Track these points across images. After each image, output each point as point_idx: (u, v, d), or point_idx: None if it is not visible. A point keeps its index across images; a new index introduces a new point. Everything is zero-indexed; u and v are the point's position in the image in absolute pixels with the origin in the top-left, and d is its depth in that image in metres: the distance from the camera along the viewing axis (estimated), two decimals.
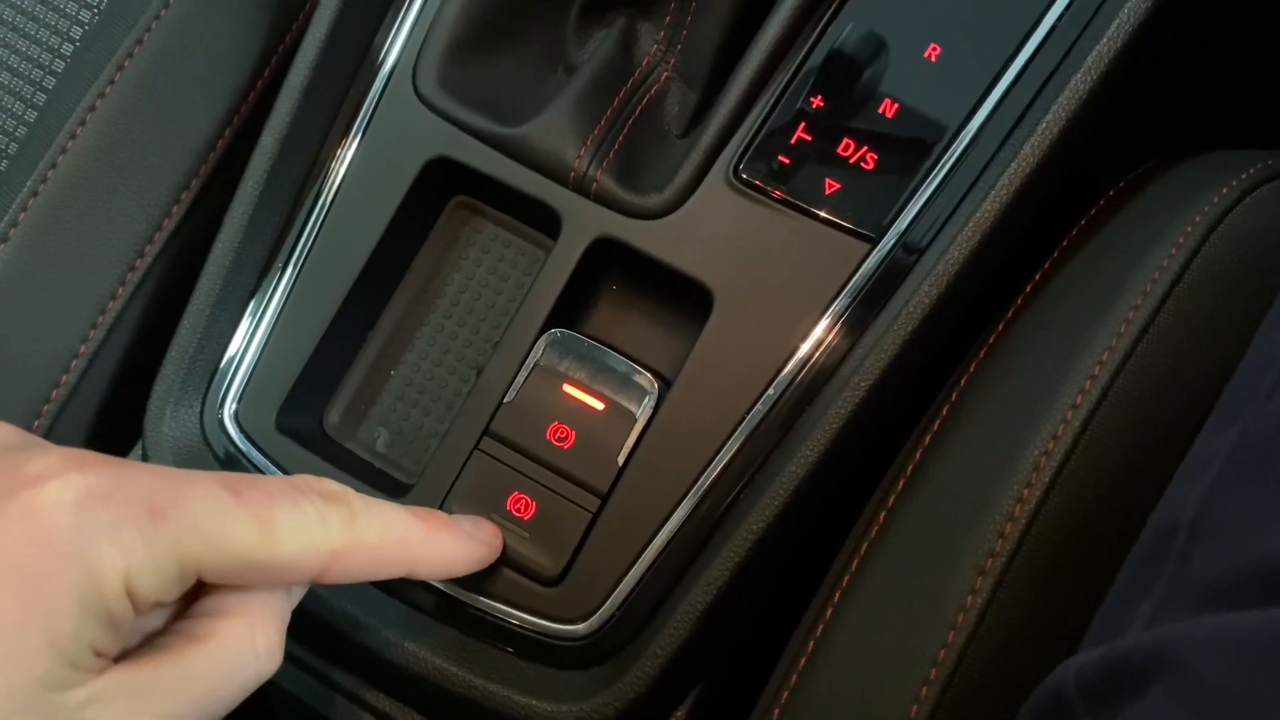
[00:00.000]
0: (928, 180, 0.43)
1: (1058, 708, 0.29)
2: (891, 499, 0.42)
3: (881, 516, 0.41)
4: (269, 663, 0.34)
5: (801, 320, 0.42)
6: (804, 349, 0.42)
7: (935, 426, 0.43)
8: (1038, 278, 0.45)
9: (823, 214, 0.43)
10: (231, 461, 0.45)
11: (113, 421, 0.48)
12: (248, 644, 0.33)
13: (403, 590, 0.43)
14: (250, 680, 0.33)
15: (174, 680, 0.32)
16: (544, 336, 0.44)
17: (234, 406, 0.45)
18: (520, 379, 0.44)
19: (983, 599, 0.38)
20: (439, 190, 0.48)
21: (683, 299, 0.44)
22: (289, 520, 0.33)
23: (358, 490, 0.40)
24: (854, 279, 0.42)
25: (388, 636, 0.42)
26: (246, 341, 0.46)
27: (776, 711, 0.39)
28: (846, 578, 0.41)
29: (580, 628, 0.42)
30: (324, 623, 0.43)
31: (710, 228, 0.43)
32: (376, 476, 0.45)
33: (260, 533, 0.33)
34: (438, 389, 0.47)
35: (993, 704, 0.37)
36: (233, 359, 0.46)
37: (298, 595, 0.36)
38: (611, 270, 0.46)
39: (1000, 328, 0.44)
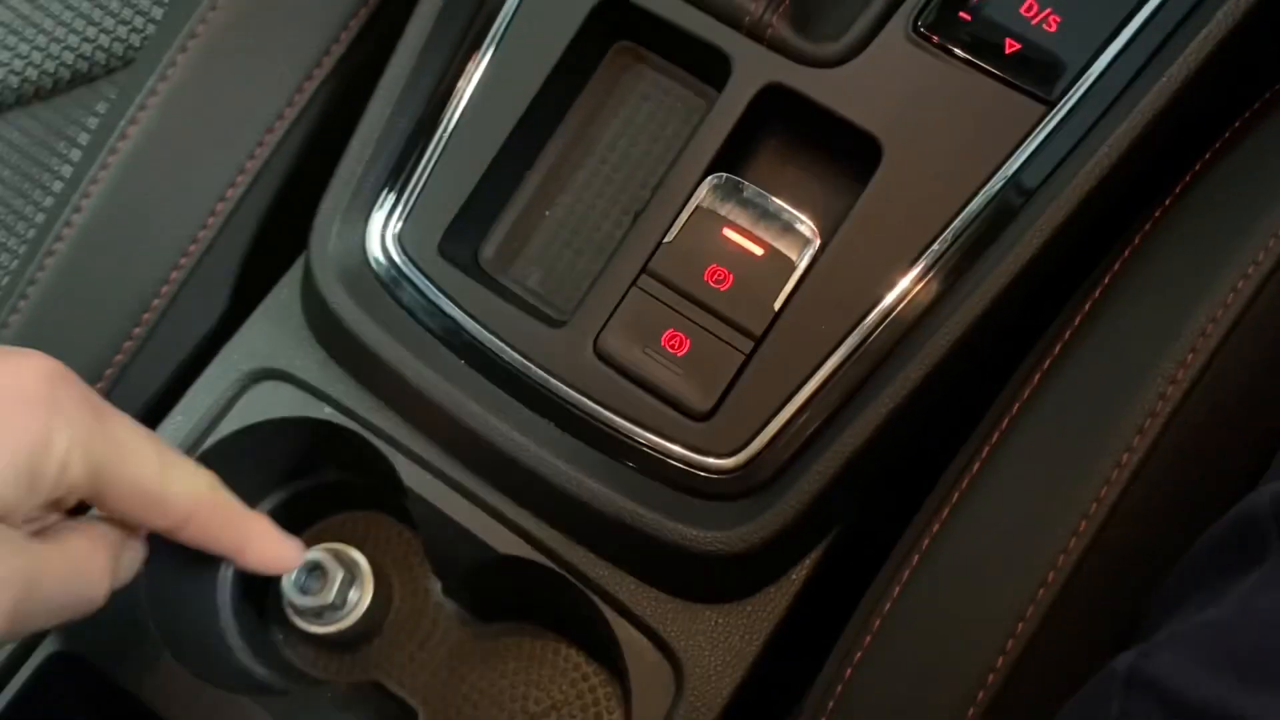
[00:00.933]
0: (1107, 47, 0.42)
1: (1247, 533, 0.29)
2: (1047, 362, 0.42)
3: (1036, 379, 0.42)
4: (97, 589, 0.37)
5: (970, 178, 0.42)
6: (973, 205, 0.42)
7: (1095, 295, 0.43)
8: (1199, 165, 0.45)
9: (1001, 74, 0.43)
10: (393, 283, 0.46)
11: (272, 243, 0.50)
12: (90, 562, 0.37)
13: (558, 415, 0.44)
14: (74, 599, 0.37)
15: (23, 566, 0.34)
16: (707, 180, 0.44)
17: (398, 227, 0.46)
18: (681, 220, 0.44)
19: (1139, 455, 0.38)
20: (602, 35, 0.48)
21: (849, 152, 0.44)
22: (180, 464, 0.39)
23: (513, 322, 0.42)
24: (1027, 141, 0.42)
25: (541, 455, 0.43)
26: (411, 169, 0.47)
27: (916, 558, 0.40)
28: (996, 434, 0.41)
29: (728, 461, 0.43)
30: (481, 440, 0.44)
31: (884, 80, 0.43)
32: (531, 309, 0.46)
33: (159, 465, 0.38)
34: (591, 231, 0.48)
35: (1148, 553, 0.37)
36: (398, 184, 0.47)
37: (127, 568, 0.40)
38: (777, 119, 0.46)
39: (1157, 215, 0.44)
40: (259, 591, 0.53)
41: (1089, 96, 0.42)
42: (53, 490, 0.35)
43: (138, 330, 0.47)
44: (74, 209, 0.46)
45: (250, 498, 0.52)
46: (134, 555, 0.41)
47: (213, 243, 0.48)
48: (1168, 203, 0.43)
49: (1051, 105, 0.42)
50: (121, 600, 0.45)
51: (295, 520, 0.54)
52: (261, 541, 0.43)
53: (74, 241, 0.47)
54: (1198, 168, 0.43)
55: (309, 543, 0.53)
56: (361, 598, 0.52)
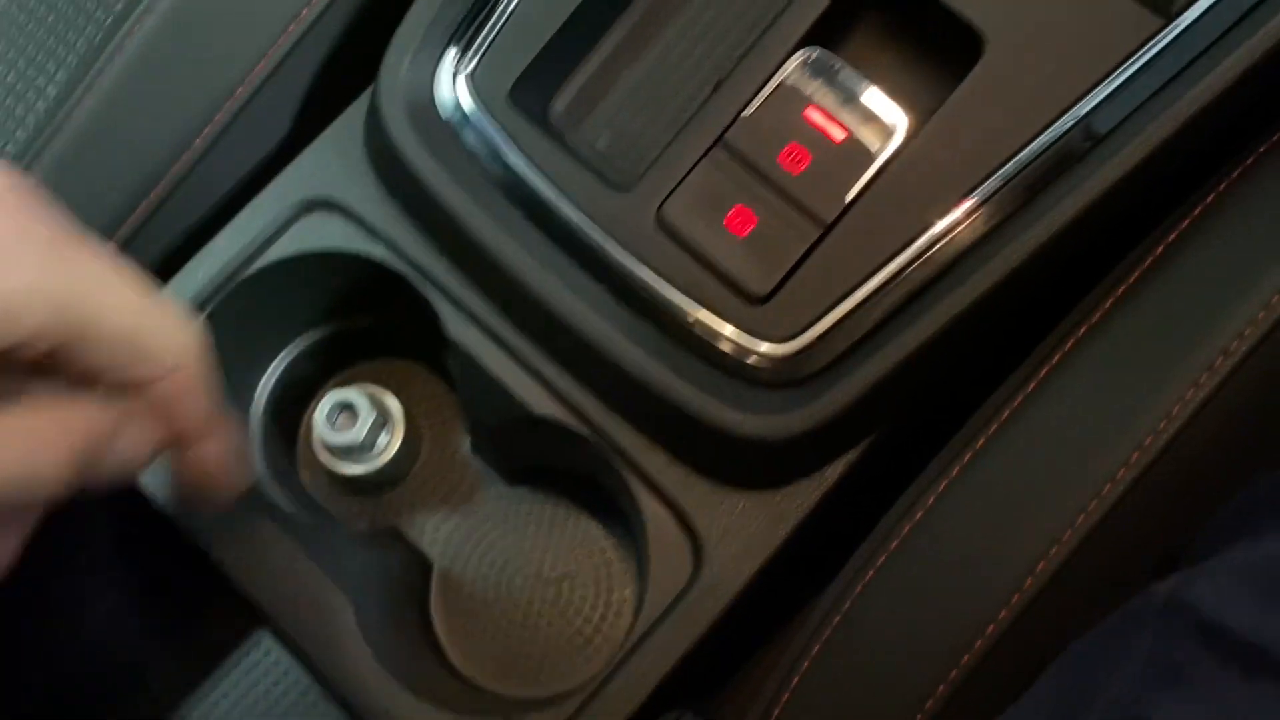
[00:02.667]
0: None
1: None
2: (1109, 301, 0.40)
3: (1097, 316, 0.40)
4: (47, 476, 0.30)
5: (1075, 85, 0.40)
6: (1063, 120, 0.40)
7: (1179, 229, 0.41)
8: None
9: None
10: (459, 124, 0.45)
11: (343, 72, 0.48)
12: (37, 439, 0.30)
13: (612, 281, 0.43)
14: (22, 476, 0.30)
15: None
16: (799, 53, 0.42)
17: (471, 67, 0.45)
18: (765, 93, 0.43)
19: (1203, 394, 0.37)
20: None
21: (950, 43, 0.42)
22: (167, 308, 0.33)
23: (577, 179, 0.39)
24: (1140, 52, 0.40)
25: (589, 317, 0.42)
26: (491, 8, 0.45)
27: (935, 493, 0.39)
28: (1057, 356, 0.40)
29: (779, 348, 0.41)
30: (530, 296, 0.43)
31: None
32: (597, 170, 0.45)
33: (140, 307, 0.32)
34: (669, 96, 0.46)
35: (1197, 494, 0.36)
36: (476, 22, 0.45)
37: (122, 453, 0.33)
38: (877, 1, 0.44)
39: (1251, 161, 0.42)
40: (291, 425, 0.54)
41: (1207, 17, 0.40)
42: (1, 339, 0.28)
43: (198, 143, 0.46)
44: (135, 21, 0.45)
45: (290, 331, 0.52)
46: (133, 441, 0.33)
47: (280, 65, 0.47)
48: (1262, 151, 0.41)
49: (1170, 18, 0.40)
50: None
51: (332, 358, 0.53)
52: (218, 444, 0.37)
53: (134, 54, 0.45)
54: None
55: (344, 383, 0.53)
56: (391, 442, 0.51)
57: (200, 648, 0.51)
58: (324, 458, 0.51)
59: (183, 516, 0.45)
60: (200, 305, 0.47)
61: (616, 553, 0.52)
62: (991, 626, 0.37)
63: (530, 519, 0.53)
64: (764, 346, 0.41)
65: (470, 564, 0.52)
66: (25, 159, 0.45)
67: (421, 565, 0.52)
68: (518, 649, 0.51)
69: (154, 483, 0.45)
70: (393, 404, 0.52)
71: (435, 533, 0.52)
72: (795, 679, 0.40)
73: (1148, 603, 0.29)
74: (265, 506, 0.49)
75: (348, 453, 0.51)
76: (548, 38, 0.45)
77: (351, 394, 0.50)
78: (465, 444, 0.53)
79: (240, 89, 0.47)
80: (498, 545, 0.52)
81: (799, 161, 0.42)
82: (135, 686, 0.53)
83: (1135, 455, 0.37)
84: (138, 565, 0.53)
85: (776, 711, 0.39)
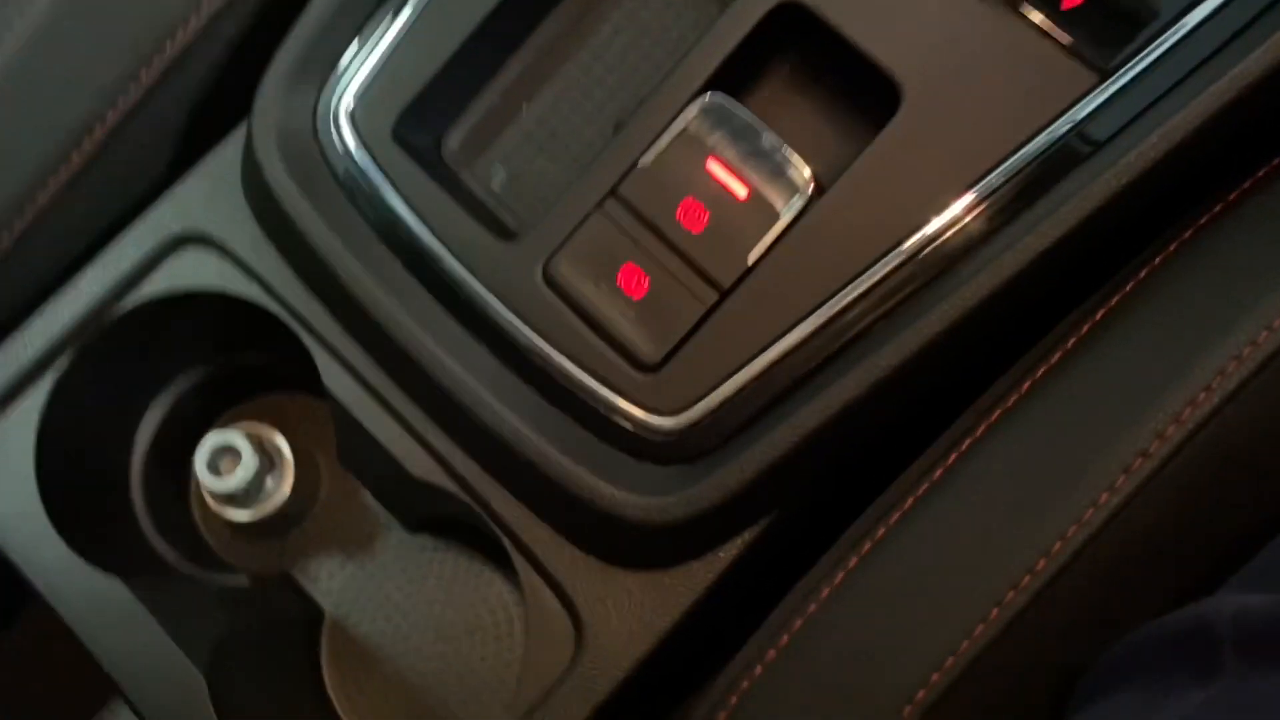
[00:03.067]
0: (1179, 22, 0.36)
1: (1200, 642, 0.25)
2: (1041, 370, 0.37)
3: (1026, 386, 0.37)
4: None
5: (992, 149, 0.37)
6: (989, 180, 0.37)
7: (1109, 305, 0.37)
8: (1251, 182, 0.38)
9: (1053, 30, 0.36)
10: (337, 162, 0.41)
11: (217, 98, 0.45)
12: None
13: (493, 339, 0.40)
14: None
15: None
16: (700, 99, 0.39)
17: (351, 104, 0.41)
18: (662, 143, 0.39)
19: (1120, 499, 0.33)
20: None
21: (865, 94, 0.38)
22: None
23: (460, 227, 0.36)
24: (1070, 112, 0.36)
25: (467, 381, 0.39)
26: (374, 39, 0.42)
27: (867, 546, 0.36)
28: (968, 441, 0.37)
29: (668, 421, 0.38)
30: (405, 353, 0.40)
31: (918, 16, 0.37)
32: (486, 215, 0.42)
33: None
34: (569, 137, 0.43)
35: (1099, 609, 0.33)
36: (357, 54, 0.42)
37: None
38: (788, 46, 0.40)
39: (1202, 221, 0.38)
40: (180, 461, 0.51)
41: (1152, 71, 0.36)
42: None
43: (63, 171, 0.43)
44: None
45: (168, 370, 0.48)
46: None
47: (153, 90, 0.43)
48: (1213, 213, 0.37)
49: (1105, 76, 0.36)
50: (9, 456, 0.43)
51: (221, 395, 0.50)
52: None
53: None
54: (1248, 185, 0.37)
55: (231, 421, 0.50)
56: (280, 486, 0.48)
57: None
58: (213, 504, 0.48)
59: (26, 561, 0.42)
60: (65, 344, 0.44)
61: (519, 609, 0.49)
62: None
63: (431, 569, 0.50)
64: (653, 419, 0.38)
65: (366, 615, 0.49)
66: None
67: (312, 616, 0.49)
68: (413, 705, 0.48)
69: None
70: (282, 444, 0.49)
71: (330, 581, 0.50)
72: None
73: None
74: (142, 553, 0.46)
75: (233, 499, 0.48)
76: (439, 66, 0.41)
77: (233, 436, 0.47)
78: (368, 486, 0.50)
79: (110, 113, 0.43)
80: (395, 597, 0.49)
81: (698, 219, 0.39)
82: None
83: (1041, 563, 0.33)
84: None
85: None
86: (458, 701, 0.48)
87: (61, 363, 0.43)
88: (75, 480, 0.44)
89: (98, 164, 0.44)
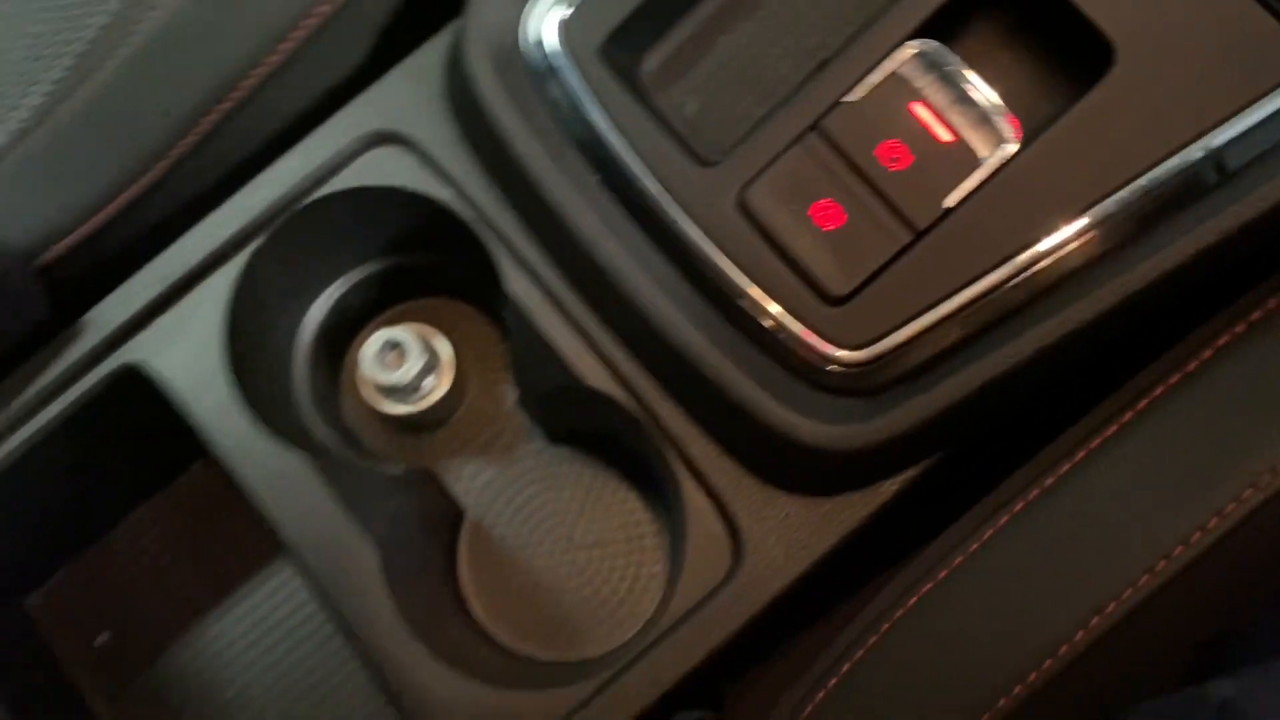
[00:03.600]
0: None
1: None
2: (1204, 355, 0.37)
3: (1178, 377, 0.37)
4: None
5: (1210, 111, 0.37)
6: (1198, 145, 0.37)
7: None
8: None
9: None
10: (544, 73, 0.42)
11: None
12: None
13: (683, 260, 0.41)
14: None
15: None
16: (912, 44, 0.39)
17: (565, 13, 0.42)
18: (870, 82, 0.40)
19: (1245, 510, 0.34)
20: None
21: (1077, 51, 0.39)
22: None
23: (659, 148, 0.37)
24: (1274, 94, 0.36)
25: (655, 296, 0.40)
26: None
27: (1004, 519, 0.37)
28: (1128, 414, 0.37)
29: (849, 354, 0.39)
30: (595, 263, 0.41)
31: None
32: (681, 140, 0.42)
33: None
34: (767, 70, 0.43)
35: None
36: None
37: None
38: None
39: None
40: (337, 355, 0.52)
41: None
42: None
43: (268, 62, 0.44)
44: None
45: (345, 262, 0.50)
46: None
47: None
48: None
49: None
50: (201, 327, 0.45)
51: (386, 292, 0.52)
52: None
53: None
54: None
55: (396, 320, 0.52)
56: (437, 386, 0.50)
57: (218, 565, 0.51)
58: (368, 394, 0.50)
59: (211, 428, 0.44)
60: (259, 226, 0.45)
61: (651, 527, 0.50)
62: (1019, 686, 0.35)
63: (568, 481, 0.51)
64: (835, 351, 0.39)
65: (503, 519, 0.51)
66: (82, 71, 0.44)
67: (453, 514, 0.50)
68: (540, 610, 0.50)
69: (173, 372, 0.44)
70: (443, 347, 0.50)
71: (471, 481, 0.51)
72: (820, 694, 0.38)
73: (1203, 701, 0.27)
74: (297, 435, 0.48)
75: (393, 392, 0.49)
76: None
77: (402, 333, 0.48)
78: (512, 396, 0.52)
79: (322, 7, 0.44)
80: (533, 503, 0.51)
81: (898, 159, 0.39)
82: (153, 590, 0.52)
83: (1197, 535, 0.34)
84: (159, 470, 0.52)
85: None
86: (585, 610, 0.49)
87: (255, 243, 0.45)
88: (253, 359, 0.46)
89: (301, 58, 0.45)
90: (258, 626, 0.51)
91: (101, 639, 0.51)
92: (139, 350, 0.45)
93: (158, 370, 0.44)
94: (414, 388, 0.49)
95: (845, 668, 0.37)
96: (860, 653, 0.37)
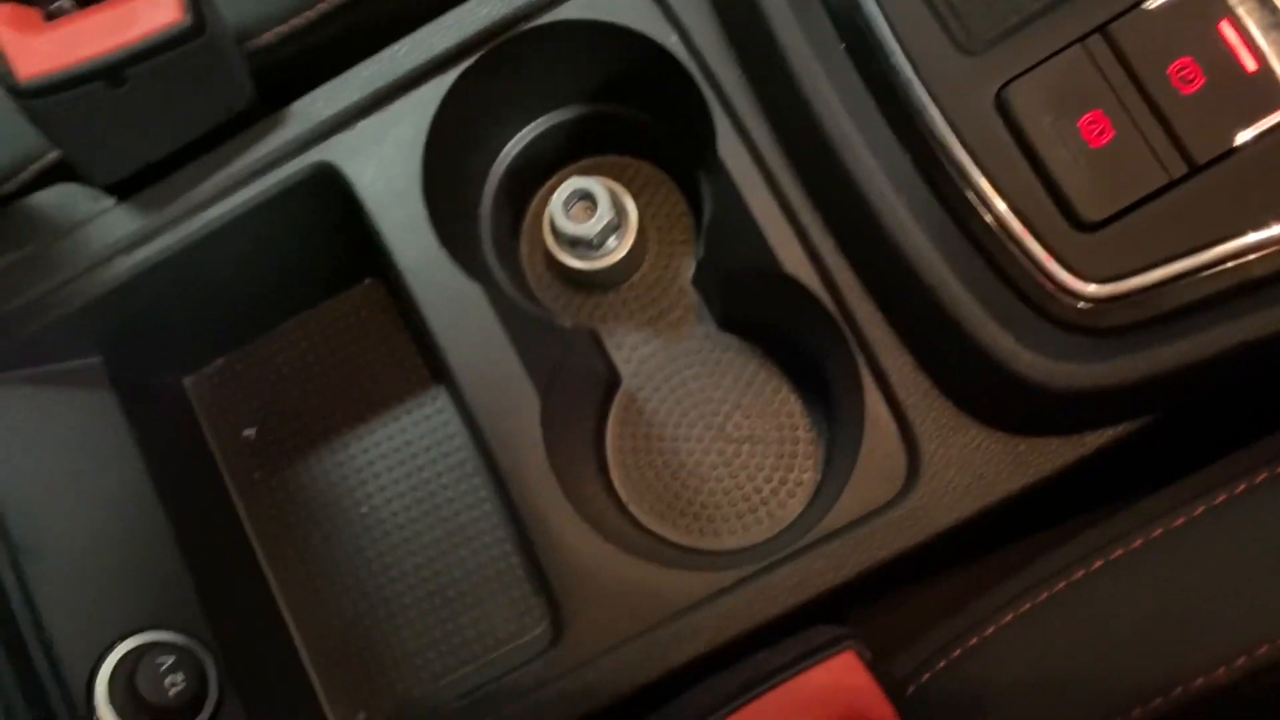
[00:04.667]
0: None
1: None
2: None
3: None
4: None
5: None
6: None
7: None
8: None
9: None
10: None
11: None
12: None
13: (921, 152, 0.37)
14: None
15: None
16: None
17: None
18: None
19: None
20: None
21: None
22: None
23: (919, 26, 0.35)
24: None
25: (881, 186, 0.37)
26: None
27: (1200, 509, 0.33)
28: None
29: (1091, 288, 0.35)
30: (824, 142, 0.37)
31: None
32: (940, 20, 0.38)
33: None
34: None
35: None
36: None
37: None
38: None
39: None
40: (523, 196, 0.51)
41: None
42: None
43: None
44: None
45: (547, 101, 0.48)
46: None
47: None
48: None
49: None
50: (401, 138, 0.43)
51: (582, 144, 0.49)
52: None
53: None
54: None
55: (586, 171, 0.50)
56: (619, 247, 0.48)
57: (371, 383, 0.50)
58: (550, 243, 0.48)
59: (395, 240, 0.42)
60: (474, 45, 0.43)
61: (807, 434, 0.47)
62: (1158, 700, 0.32)
63: (729, 370, 0.49)
64: (1075, 282, 0.35)
65: (657, 395, 0.49)
66: None
67: (609, 381, 0.49)
68: (677, 493, 0.48)
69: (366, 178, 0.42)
70: (630, 207, 0.48)
71: (632, 351, 0.49)
72: (974, 639, 0.35)
73: None
74: (480, 269, 0.46)
75: (575, 244, 0.47)
76: None
77: (595, 185, 0.46)
78: (689, 271, 0.49)
79: None
80: (690, 386, 0.49)
81: (1190, 81, 0.35)
82: (305, 395, 0.52)
83: None
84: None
85: (943, 663, 0.35)
86: (724, 502, 0.47)
87: (466, 62, 0.43)
88: (444, 182, 0.45)
89: None
90: (400, 451, 0.50)
91: (249, 431, 0.51)
92: (337, 150, 0.43)
93: (352, 173, 0.43)
94: (596, 244, 0.47)
95: (990, 630, 0.34)
96: (1009, 616, 0.34)
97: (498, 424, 0.41)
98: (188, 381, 0.51)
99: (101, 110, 0.40)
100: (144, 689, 0.41)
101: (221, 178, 0.44)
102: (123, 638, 0.42)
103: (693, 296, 0.49)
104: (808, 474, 0.47)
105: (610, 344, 0.49)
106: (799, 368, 0.47)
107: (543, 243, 0.48)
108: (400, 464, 0.50)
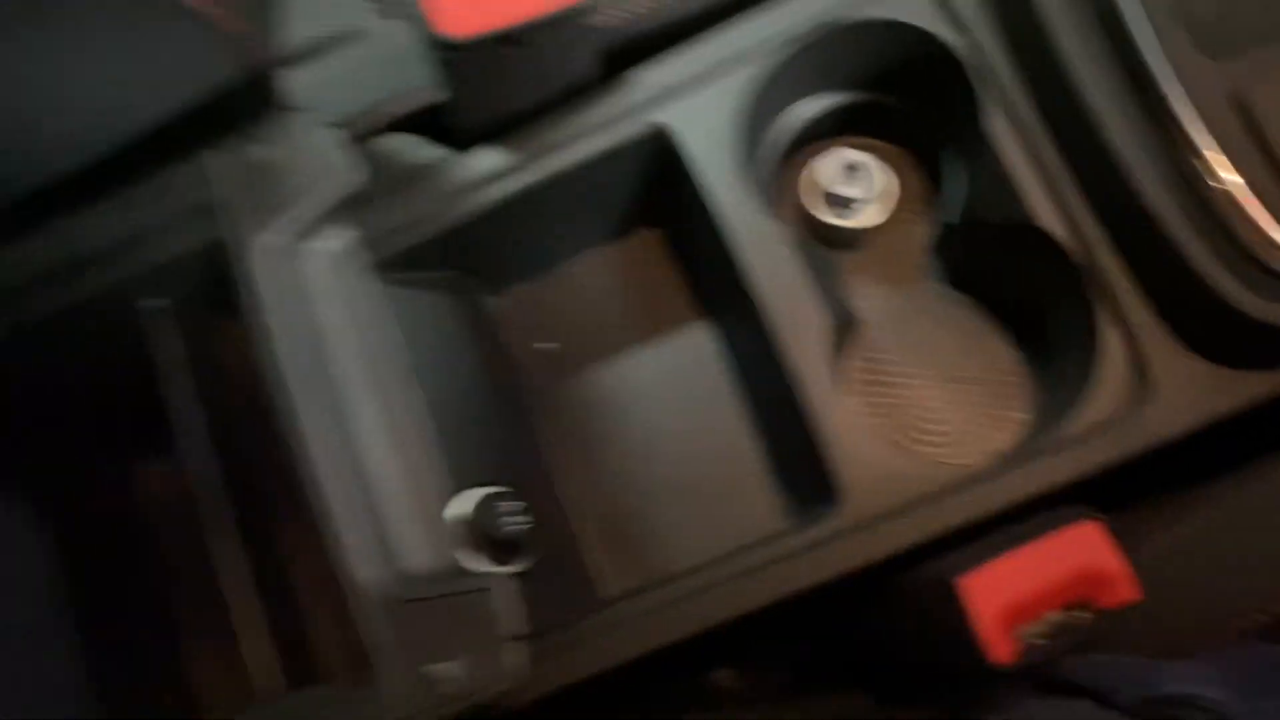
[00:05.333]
0: None
1: None
2: None
3: None
4: None
5: None
6: None
7: None
8: None
9: None
10: None
11: None
12: None
13: (1169, 130, 0.46)
14: None
15: None
16: None
17: None
18: None
19: None
20: None
21: None
22: None
23: (1173, 31, 0.42)
24: None
25: (1136, 156, 0.46)
26: None
27: None
28: None
29: None
30: (1082, 116, 0.47)
31: None
32: (1194, 27, 0.47)
33: None
34: None
35: None
36: None
37: None
38: None
39: None
40: (788, 160, 0.60)
41: None
42: None
43: None
44: None
45: (834, 84, 0.57)
46: None
47: None
48: None
49: None
50: (726, 107, 0.53)
51: (845, 123, 0.59)
52: None
53: None
54: None
55: (837, 145, 0.59)
56: (873, 211, 0.57)
57: (650, 313, 0.60)
58: (808, 199, 0.58)
59: (714, 189, 0.52)
60: (791, 38, 0.53)
61: (1021, 383, 0.56)
62: None
63: (958, 323, 0.58)
64: None
65: (892, 342, 0.58)
66: None
67: (853, 323, 0.58)
68: (915, 423, 0.57)
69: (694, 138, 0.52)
70: (886, 179, 0.58)
71: (869, 302, 0.59)
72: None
73: None
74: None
75: (837, 202, 0.57)
76: None
77: (864, 157, 0.56)
78: (922, 235, 0.58)
79: None
80: (919, 334, 0.58)
81: None
82: (592, 319, 0.62)
83: None
84: None
85: None
86: (951, 434, 0.56)
87: (790, 49, 0.53)
88: (750, 147, 0.54)
89: None
90: (669, 372, 0.60)
91: (542, 345, 0.62)
92: (669, 114, 0.53)
93: (681, 133, 0.53)
94: (857, 207, 0.57)
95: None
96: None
97: (797, 347, 0.50)
98: (490, 301, 0.62)
99: (496, 67, 0.51)
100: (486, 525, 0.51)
101: (571, 131, 0.54)
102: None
103: (924, 257, 0.59)
104: (1017, 413, 0.56)
105: (850, 295, 0.59)
106: (1018, 320, 0.57)
107: (798, 201, 0.58)
108: (664, 384, 0.59)
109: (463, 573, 0.41)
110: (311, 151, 0.44)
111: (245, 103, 0.47)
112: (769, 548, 0.50)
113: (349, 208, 0.44)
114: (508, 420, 0.60)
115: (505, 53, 0.50)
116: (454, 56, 0.49)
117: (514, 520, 0.51)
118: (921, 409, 0.57)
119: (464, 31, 0.49)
